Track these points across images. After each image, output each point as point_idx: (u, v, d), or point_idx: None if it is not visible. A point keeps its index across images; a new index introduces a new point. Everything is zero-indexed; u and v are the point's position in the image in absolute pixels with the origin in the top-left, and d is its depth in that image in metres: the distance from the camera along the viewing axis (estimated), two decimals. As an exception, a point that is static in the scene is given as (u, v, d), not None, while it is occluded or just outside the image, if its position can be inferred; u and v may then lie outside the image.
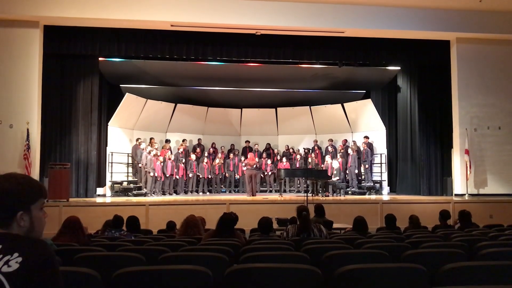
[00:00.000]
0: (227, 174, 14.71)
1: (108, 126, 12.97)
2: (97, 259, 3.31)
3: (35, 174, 10.64)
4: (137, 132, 14.14)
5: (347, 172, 14.08)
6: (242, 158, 14.62)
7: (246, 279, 2.57)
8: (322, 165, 14.11)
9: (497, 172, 12.14)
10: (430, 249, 3.72)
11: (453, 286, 2.44)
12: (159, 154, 13.07)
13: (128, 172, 13.69)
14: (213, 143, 15.68)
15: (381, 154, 14.34)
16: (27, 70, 10.80)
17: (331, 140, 15.03)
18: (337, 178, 13.18)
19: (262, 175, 14.56)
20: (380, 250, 3.49)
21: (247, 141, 15.86)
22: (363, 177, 14.39)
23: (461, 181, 12.06)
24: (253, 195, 12.57)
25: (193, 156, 14.02)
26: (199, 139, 15.57)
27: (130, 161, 13.66)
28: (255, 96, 15.95)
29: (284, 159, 14.62)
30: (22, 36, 10.84)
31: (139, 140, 13.29)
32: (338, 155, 14.16)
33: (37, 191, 1.66)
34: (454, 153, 12.42)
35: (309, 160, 14.29)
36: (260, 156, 14.73)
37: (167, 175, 13.08)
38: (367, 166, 14.04)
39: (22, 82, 10.75)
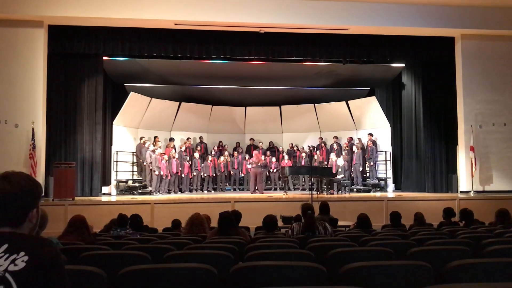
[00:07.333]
0: (232, 172, 14.73)
1: (113, 125, 13.01)
2: (102, 258, 3.31)
3: (41, 173, 10.70)
4: (141, 131, 14.16)
5: (352, 169, 14.06)
6: (247, 156, 14.64)
7: (251, 277, 2.57)
8: (325, 162, 14.08)
9: (502, 169, 12.08)
10: (436, 246, 3.71)
11: (459, 283, 2.43)
12: (163, 152, 13.10)
13: (133, 171, 13.73)
14: (220, 142, 15.71)
15: (385, 151, 14.31)
16: (31, 70, 10.84)
17: (336, 138, 15.01)
18: (342, 175, 13.16)
19: (267, 173, 14.55)
20: (386, 248, 3.48)
21: (251, 139, 15.87)
22: (367, 174, 14.37)
23: (466, 178, 12.01)
24: (254, 192, 12.63)
25: (196, 154, 14.04)
26: (200, 137, 15.56)
27: (135, 160, 13.69)
28: (259, 94, 15.94)
29: (287, 157, 14.62)
30: (27, 36, 10.88)
31: (144, 139, 13.32)
32: (343, 153, 14.13)
33: (41, 186, 1.68)
34: (459, 150, 12.37)
35: (315, 157, 14.30)
36: (264, 154, 14.73)
37: (173, 174, 13.12)
38: (372, 163, 14.01)
39: (27, 81, 10.79)
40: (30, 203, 1.60)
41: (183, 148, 14.20)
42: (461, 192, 12.05)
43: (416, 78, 13.43)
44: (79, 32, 11.50)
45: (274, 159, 14.71)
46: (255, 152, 13.65)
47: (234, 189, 14.75)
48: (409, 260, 3.15)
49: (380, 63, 13.74)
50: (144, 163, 12.81)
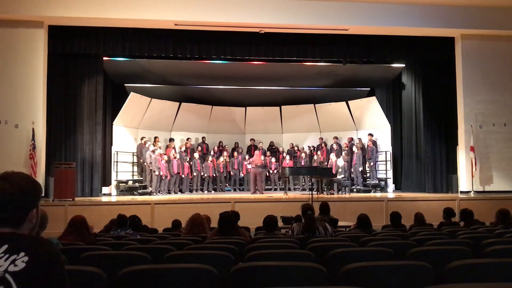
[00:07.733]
0: (232, 173, 14.72)
1: (113, 125, 13.01)
2: (103, 258, 3.31)
3: (41, 173, 10.69)
4: (142, 131, 14.16)
5: (352, 170, 14.05)
6: (247, 157, 14.64)
7: (251, 277, 2.57)
8: (325, 163, 14.08)
9: (502, 169, 12.08)
10: (436, 247, 3.70)
11: (459, 283, 2.43)
12: (163, 153, 13.10)
13: (133, 171, 13.73)
14: (220, 142, 15.72)
15: (386, 151, 14.30)
16: (32, 70, 10.84)
17: (336, 138, 15.01)
18: (342, 176, 13.16)
19: (267, 173, 14.55)
20: (386, 248, 3.48)
21: (252, 139, 15.87)
22: (368, 174, 14.36)
23: (466, 178, 12.00)
24: (254, 193, 12.61)
25: (196, 155, 14.04)
26: (203, 138, 15.58)
27: (135, 160, 13.69)
28: (259, 94, 15.94)
29: (288, 157, 14.62)
30: (27, 36, 10.88)
31: (144, 139, 13.31)
32: (343, 153, 14.13)
33: (40, 187, 1.68)
34: (459, 150, 12.36)
35: (315, 157, 14.30)
36: (264, 154, 14.73)
37: (174, 174, 13.12)
38: (372, 163, 14.00)
39: (27, 82, 10.79)
40: (30, 203, 1.60)
41: (183, 149, 14.20)
42: (461, 192, 12.04)
43: (416, 78, 13.43)
44: (79, 32, 11.50)
45: (273, 160, 14.71)
46: (256, 153, 13.66)
47: (234, 190, 14.74)
48: (409, 260, 3.15)
49: (380, 63, 13.75)
50: (145, 163, 12.82)
